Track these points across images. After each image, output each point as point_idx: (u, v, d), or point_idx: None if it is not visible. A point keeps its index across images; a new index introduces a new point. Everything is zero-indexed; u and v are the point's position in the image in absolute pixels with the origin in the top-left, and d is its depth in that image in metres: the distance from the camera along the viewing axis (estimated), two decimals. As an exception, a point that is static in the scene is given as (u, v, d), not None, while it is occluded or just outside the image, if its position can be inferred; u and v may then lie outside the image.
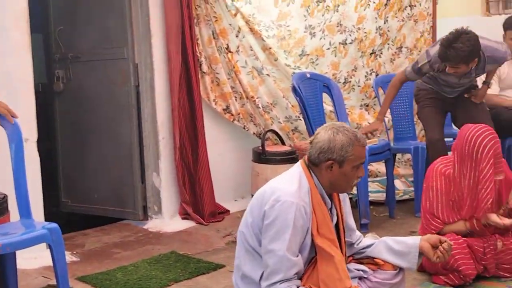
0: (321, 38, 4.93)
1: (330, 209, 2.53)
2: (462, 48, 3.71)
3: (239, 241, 2.55)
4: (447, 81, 4.20)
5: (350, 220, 2.68)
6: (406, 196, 4.90)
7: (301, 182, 2.44)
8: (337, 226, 2.55)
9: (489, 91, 4.66)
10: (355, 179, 2.49)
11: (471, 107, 4.26)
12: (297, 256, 2.38)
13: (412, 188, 4.79)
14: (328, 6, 4.92)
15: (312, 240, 2.43)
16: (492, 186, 3.01)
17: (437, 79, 4.24)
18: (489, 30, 5.25)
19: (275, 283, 2.35)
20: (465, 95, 4.25)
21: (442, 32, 5.57)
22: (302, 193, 2.41)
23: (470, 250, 3.08)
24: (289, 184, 2.43)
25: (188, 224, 4.34)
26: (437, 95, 4.30)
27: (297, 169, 2.51)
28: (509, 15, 4.95)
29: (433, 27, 5.53)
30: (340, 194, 2.62)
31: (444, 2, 5.70)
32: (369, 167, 5.05)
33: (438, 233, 3.09)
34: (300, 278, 2.44)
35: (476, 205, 3.07)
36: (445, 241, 2.61)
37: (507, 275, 3.14)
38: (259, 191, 2.50)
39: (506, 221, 3.01)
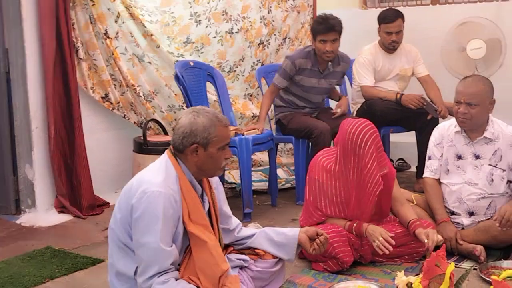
0: (207, 26, 4.88)
1: (202, 196, 2.51)
2: (336, 18, 4.46)
3: (110, 239, 2.48)
4: (307, 88, 4.51)
5: (225, 208, 2.69)
6: (288, 185, 4.99)
7: (167, 171, 2.41)
8: (209, 213, 2.53)
9: (365, 83, 4.85)
10: (223, 161, 2.48)
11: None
12: (171, 246, 2.34)
13: (294, 177, 4.88)
14: (213, -7, 4.89)
15: (185, 228, 2.40)
16: (377, 179, 3.09)
17: (296, 92, 4.55)
18: (365, 23, 5.49)
19: (152, 276, 2.30)
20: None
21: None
22: (169, 181, 2.37)
23: (348, 238, 3.16)
24: (156, 174, 2.38)
25: (64, 217, 4.16)
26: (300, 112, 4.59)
27: (163, 158, 2.49)
28: (384, 9, 5.16)
29: (314, 19, 5.63)
30: (213, 182, 2.61)
31: (324, -6, 5.84)
32: (252, 156, 5.08)
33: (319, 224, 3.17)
34: (178, 270, 2.40)
35: (363, 199, 3.15)
36: (322, 234, 2.68)
37: (382, 260, 3.26)
38: (127, 185, 2.45)
39: (381, 248, 3.06)
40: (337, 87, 4.99)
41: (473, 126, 3.36)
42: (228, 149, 2.50)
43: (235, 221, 2.74)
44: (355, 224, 3.15)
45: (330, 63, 4.55)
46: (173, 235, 2.36)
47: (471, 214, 3.41)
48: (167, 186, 2.34)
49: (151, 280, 2.29)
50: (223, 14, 4.96)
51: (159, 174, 2.38)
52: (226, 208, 2.70)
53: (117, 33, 4.46)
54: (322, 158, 3.27)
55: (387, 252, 3.05)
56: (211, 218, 2.53)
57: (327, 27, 4.35)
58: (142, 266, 2.32)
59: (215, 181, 2.65)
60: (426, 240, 3.02)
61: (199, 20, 4.84)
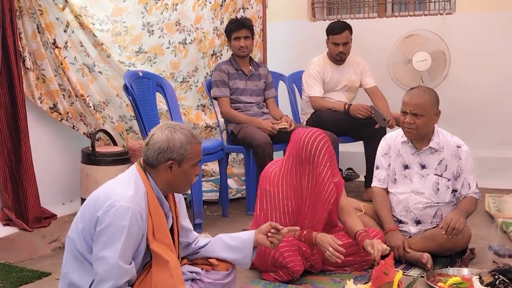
0: (160, 37, 4.86)
1: (166, 212, 2.49)
2: (246, 18, 5.00)
3: (67, 247, 2.42)
4: (239, 91, 4.68)
5: (185, 222, 2.67)
6: (239, 195, 5.00)
7: (137, 186, 2.37)
8: (171, 228, 2.52)
9: (314, 94, 4.93)
10: (194, 178, 2.48)
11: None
12: (130, 263, 2.31)
13: (245, 187, 4.89)
14: (166, 4, 4.86)
15: (147, 245, 2.37)
16: (332, 187, 3.15)
17: (235, 99, 4.68)
18: (314, 35, 5.58)
19: None
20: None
21: (272, 35, 5.80)
22: (138, 197, 2.34)
23: (298, 247, 3.18)
24: (125, 189, 2.34)
25: (10, 230, 4.04)
26: None
27: (132, 172, 2.44)
28: (332, 21, 5.25)
29: (264, 30, 5.69)
30: (176, 196, 2.58)
31: (273, 6, 5.89)
32: (204, 167, 5.08)
33: None
34: (132, 285, 2.37)
35: (318, 208, 3.19)
36: (274, 226, 2.66)
37: (331, 268, 3.30)
38: (92, 195, 2.39)
39: (332, 257, 3.08)
40: (283, 108, 5.04)
41: (419, 136, 3.44)
42: (199, 166, 2.49)
43: (194, 234, 2.73)
44: (304, 232, 3.17)
45: (251, 66, 4.78)
46: (134, 252, 2.33)
47: (418, 222, 3.49)
48: (135, 202, 2.30)
49: None
50: (177, 25, 4.95)
51: (128, 188, 2.34)
52: (187, 223, 2.67)
53: (66, 43, 4.39)
54: (272, 170, 3.29)
55: (339, 261, 3.08)
56: (173, 234, 2.51)
57: (238, 24, 4.71)
58: (97, 279, 2.28)
59: (177, 195, 2.63)
60: (372, 251, 3.05)
61: (152, 30, 4.81)
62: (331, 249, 3.06)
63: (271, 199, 3.22)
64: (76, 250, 2.37)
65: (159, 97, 4.70)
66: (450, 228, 3.23)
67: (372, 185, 3.65)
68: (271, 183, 3.23)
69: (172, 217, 2.53)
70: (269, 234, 2.65)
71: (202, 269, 2.68)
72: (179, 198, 2.64)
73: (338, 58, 4.97)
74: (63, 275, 2.45)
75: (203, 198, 4.40)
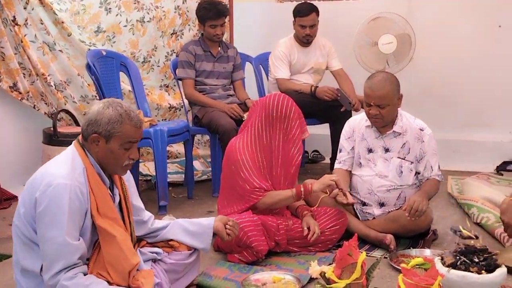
0: (117, 15, 4.77)
1: (111, 189, 2.46)
2: (221, 3, 4.79)
3: (14, 235, 2.38)
4: (206, 73, 4.67)
5: (136, 201, 2.64)
6: (204, 177, 4.97)
7: (74, 163, 2.33)
8: (120, 206, 2.49)
9: (281, 76, 4.91)
10: (126, 160, 2.40)
11: None
12: (78, 240, 2.28)
13: (210, 169, 4.86)
14: (125, -18, 4.78)
15: (94, 222, 2.34)
16: (300, 144, 3.33)
17: (201, 82, 4.67)
18: (281, 16, 5.53)
19: (58, 272, 2.22)
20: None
21: (239, 16, 5.73)
22: (76, 173, 2.30)
23: (263, 227, 3.18)
24: (61, 166, 2.30)
25: (-31, 212, 3.97)
26: None
27: (70, 149, 2.41)
28: (299, 3, 5.21)
29: (230, 11, 5.61)
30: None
31: (240, -14, 5.82)
32: (169, 148, 5.03)
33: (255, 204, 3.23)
34: (86, 264, 2.34)
35: (288, 164, 3.32)
36: (232, 220, 2.76)
37: (296, 249, 3.32)
38: (30, 179, 2.36)
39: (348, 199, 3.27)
40: (248, 90, 5.02)
41: (386, 124, 3.47)
42: (135, 150, 2.42)
43: (147, 214, 2.71)
44: (302, 188, 3.25)
45: (220, 47, 4.74)
46: (80, 229, 2.29)
47: (381, 205, 3.52)
48: (73, 178, 2.27)
49: (58, 276, 2.22)
50: (135, 3, 4.87)
51: (64, 166, 2.30)
52: (137, 202, 2.65)
53: (26, 20, 4.29)
54: (237, 141, 3.32)
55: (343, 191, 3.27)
56: (122, 212, 2.48)
57: (216, 13, 4.60)
58: (47, 261, 2.24)
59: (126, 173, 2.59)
60: (305, 229, 3.26)
61: (109, 8, 4.73)
62: (333, 178, 3.25)
63: (246, 166, 3.24)
64: (23, 235, 2.34)
65: (122, 77, 4.63)
66: (413, 210, 3.26)
67: (334, 167, 3.68)
68: (241, 152, 3.27)
69: (119, 194, 2.49)
70: (227, 226, 2.71)
71: (163, 251, 2.67)
72: (128, 177, 2.60)
73: (304, 40, 4.95)
74: (15, 262, 2.41)
75: (168, 180, 4.36)
